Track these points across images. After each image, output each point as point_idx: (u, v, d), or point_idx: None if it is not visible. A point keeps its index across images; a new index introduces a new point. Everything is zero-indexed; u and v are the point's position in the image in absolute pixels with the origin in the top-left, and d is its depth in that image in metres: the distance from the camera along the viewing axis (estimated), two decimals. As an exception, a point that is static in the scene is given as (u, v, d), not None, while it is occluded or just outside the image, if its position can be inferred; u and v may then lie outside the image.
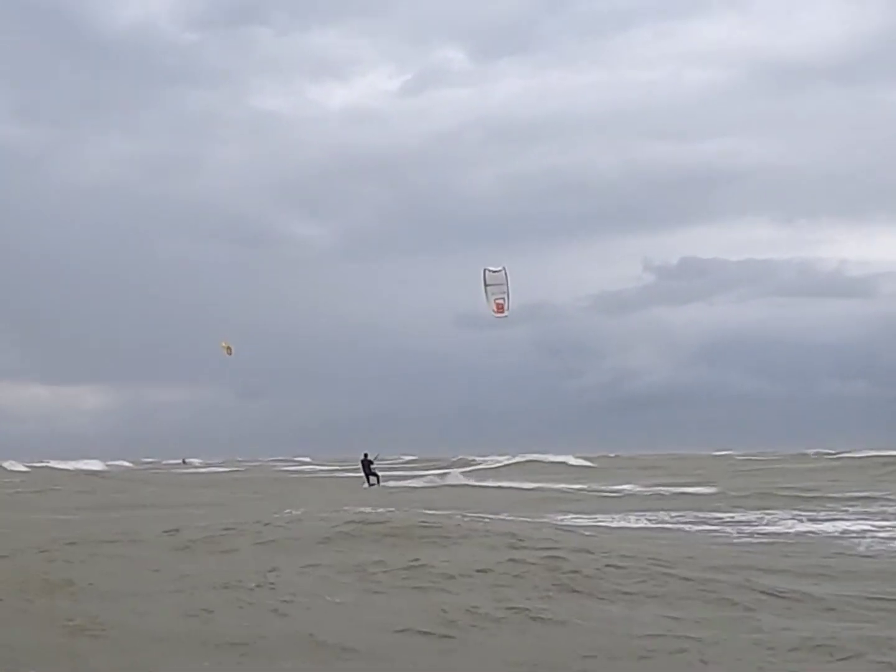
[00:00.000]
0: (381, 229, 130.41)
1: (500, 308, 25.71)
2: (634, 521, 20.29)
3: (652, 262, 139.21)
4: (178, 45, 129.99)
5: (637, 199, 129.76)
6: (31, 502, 28.74)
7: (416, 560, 11.33)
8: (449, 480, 41.48)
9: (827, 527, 18.59)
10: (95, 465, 70.48)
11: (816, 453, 74.78)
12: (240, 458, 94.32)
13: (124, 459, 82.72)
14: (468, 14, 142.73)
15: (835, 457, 66.22)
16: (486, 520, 16.76)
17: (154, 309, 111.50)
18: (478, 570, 10.80)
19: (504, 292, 25.73)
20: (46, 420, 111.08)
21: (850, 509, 22.93)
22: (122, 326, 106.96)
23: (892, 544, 15.43)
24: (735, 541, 16.45)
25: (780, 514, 21.74)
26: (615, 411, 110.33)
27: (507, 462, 62.70)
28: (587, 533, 16.60)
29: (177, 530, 14.09)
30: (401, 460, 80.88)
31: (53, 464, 68.26)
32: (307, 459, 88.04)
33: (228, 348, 37.05)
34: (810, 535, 17.37)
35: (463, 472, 47.67)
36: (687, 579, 10.59)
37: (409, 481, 41.20)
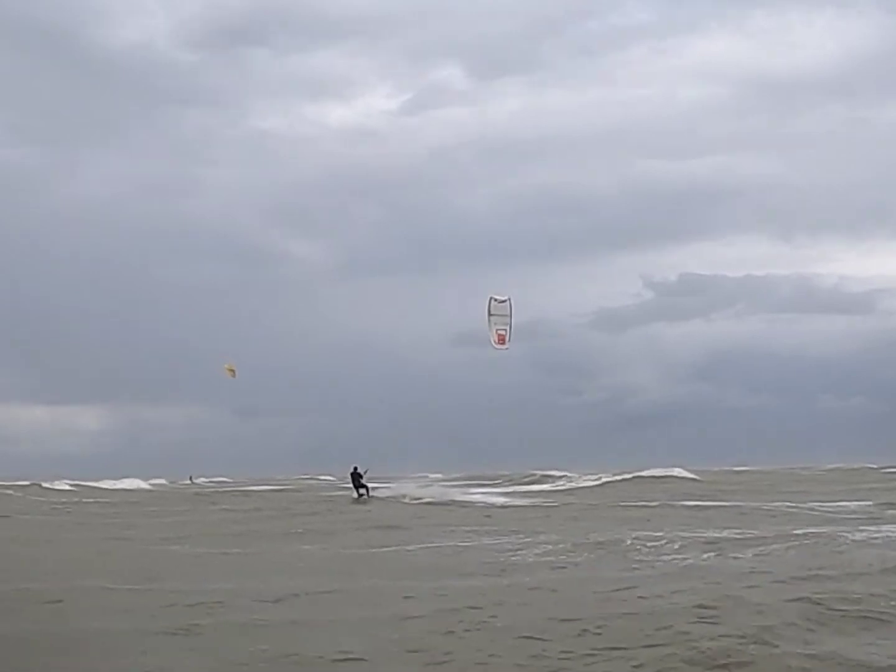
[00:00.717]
0: (378, 248, 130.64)
1: (502, 339, 25.98)
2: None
3: (651, 278, 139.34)
4: (177, 65, 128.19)
5: (635, 216, 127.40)
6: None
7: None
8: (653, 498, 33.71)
9: None
10: (138, 483, 69.33)
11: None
12: (255, 476, 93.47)
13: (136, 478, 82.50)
14: (467, 33, 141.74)
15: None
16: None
17: (151, 328, 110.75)
18: None
19: (507, 324, 26.06)
20: (43, 440, 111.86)
21: None
22: (120, 346, 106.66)
23: None
24: None
25: None
26: (614, 428, 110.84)
27: (618, 477, 54.47)
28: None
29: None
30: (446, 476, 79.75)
31: (94, 483, 65.05)
32: (331, 477, 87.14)
33: (232, 370, 37.97)
34: None
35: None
36: None
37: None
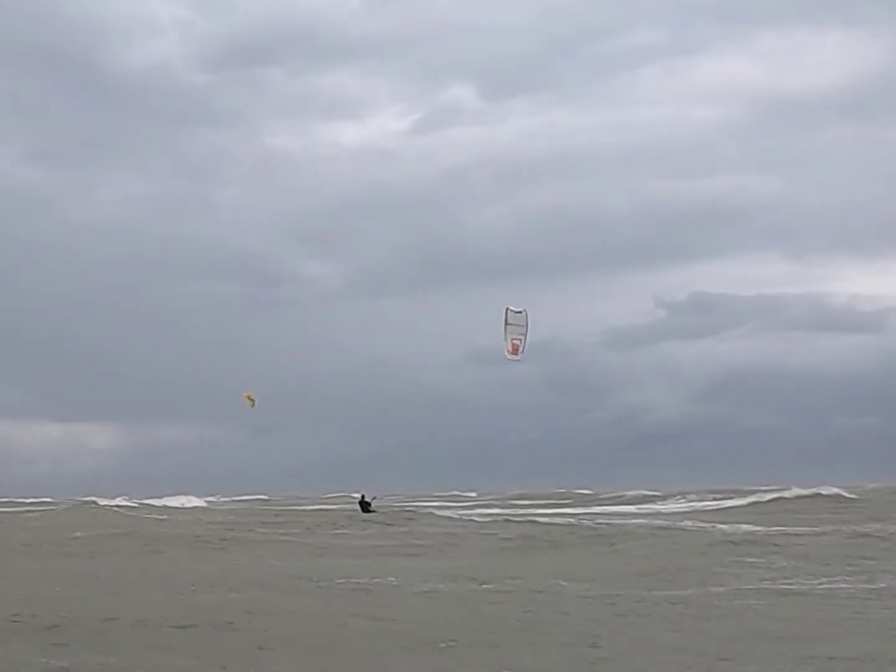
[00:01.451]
0: (391, 267, 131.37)
1: (516, 349, 25.12)
2: None
3: (662, 297, 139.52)
4: (191, 86, 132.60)
5: (647, 236, 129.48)
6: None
7: None
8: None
9: None
10: (195, 500, 67.99)
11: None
12: (267, 495, 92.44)
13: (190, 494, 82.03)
14: (479, 54, 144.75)
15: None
16: None
17: (165, 347, 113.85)
18: None
19: (522, 334, 25.13)
20: (57, 457, 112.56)
21: None
22: (133, 364, 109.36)
23: None
24: None
25: None
26: (626, 446, 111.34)
27: (747, 500, 51.36)
28: None
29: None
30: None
31: (155, 501, 61.77)
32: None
33: (251, 399, 37.92)
34: None
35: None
36: None
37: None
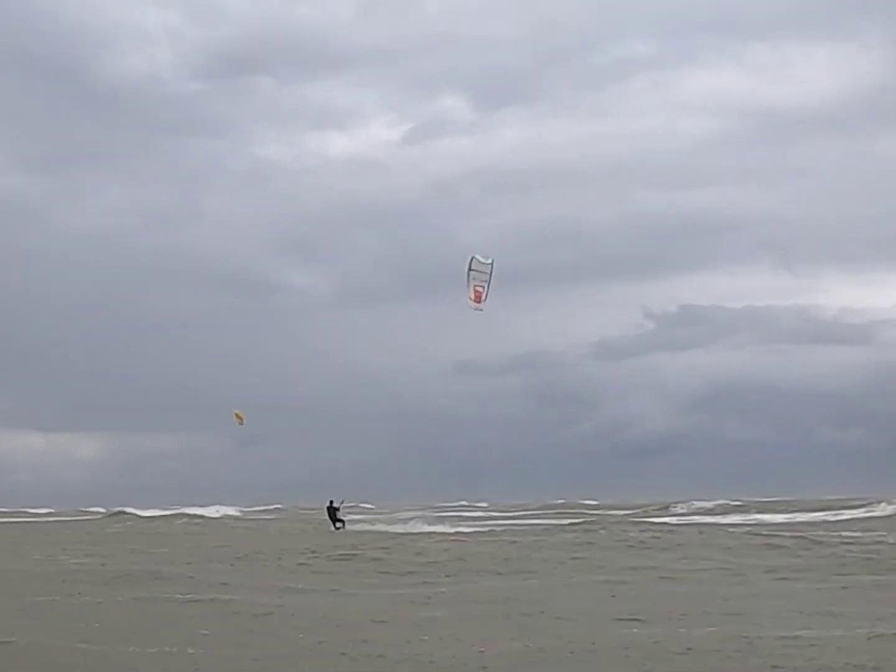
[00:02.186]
0: (378, 278, 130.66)
1: (479, 297, 24.43)
2: None
3: (651, 309, 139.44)
4: (181, 95, 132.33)
5: (635, 248, 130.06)
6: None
7: None
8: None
9: None
10: (228, 510, 67.14)
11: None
12: (280, 506, 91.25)
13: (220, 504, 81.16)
14: (470, 65, 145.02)
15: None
16: None
17: (151, 356, 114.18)
18: None
19: (486, 281, 24.49)
20: (41, 467, 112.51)
21: None
22: (119, 374, 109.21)
23: None
24: None
25: None
26: (614, 458, 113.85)
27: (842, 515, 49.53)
28: None
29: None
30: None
31: (191, 510, 62.12)
32: (370, 506, 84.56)
33: (240, 418, 39.14)
34: None
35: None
36: None
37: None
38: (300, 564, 22.44)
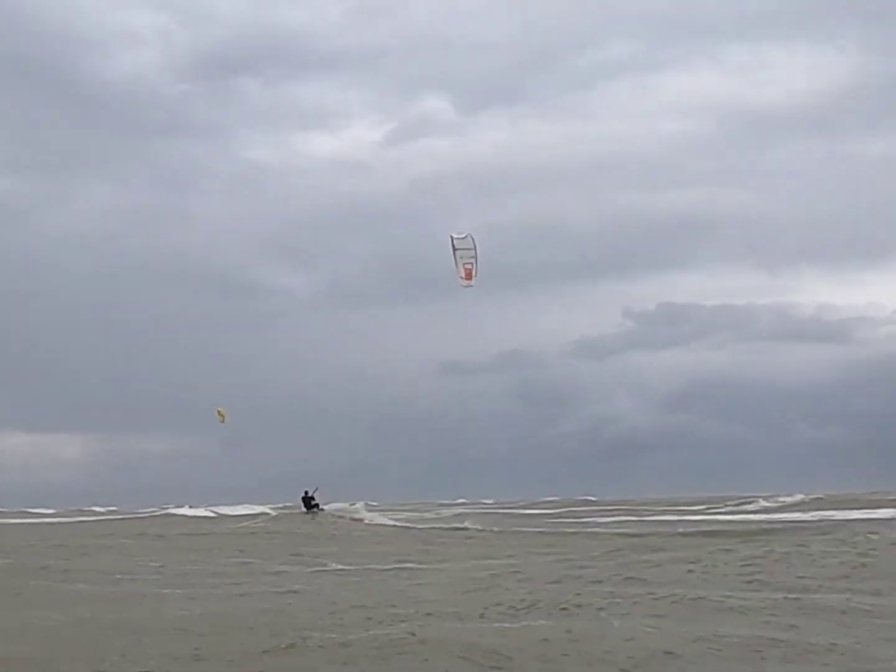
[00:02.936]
0: (363, 279, 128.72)
1: (469, 274, 24.03)
2: None
3: (631, 308, 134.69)
4: (167, 96, 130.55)
5: (616, 247, 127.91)
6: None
7: None
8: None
9: None
10: (258, 508, 65.58)
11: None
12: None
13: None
14: (455, 66, 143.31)
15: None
16: None
17: (138, 357, 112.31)
18: None
19: (473, 257, 24.00)
20: (25, 468, 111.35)
21: None
22: (106, 374, 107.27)
23: None
24: None
25: None
26: (595, 456, 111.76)
27: None
28: None
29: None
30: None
31: (225, 510, 59.63)
32: (375, 503, 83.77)
33: (222, 415, 39.73)
34: None
35: None
36: None
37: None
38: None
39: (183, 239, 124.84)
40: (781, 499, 62.23)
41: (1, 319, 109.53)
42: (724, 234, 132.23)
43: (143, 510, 67.74)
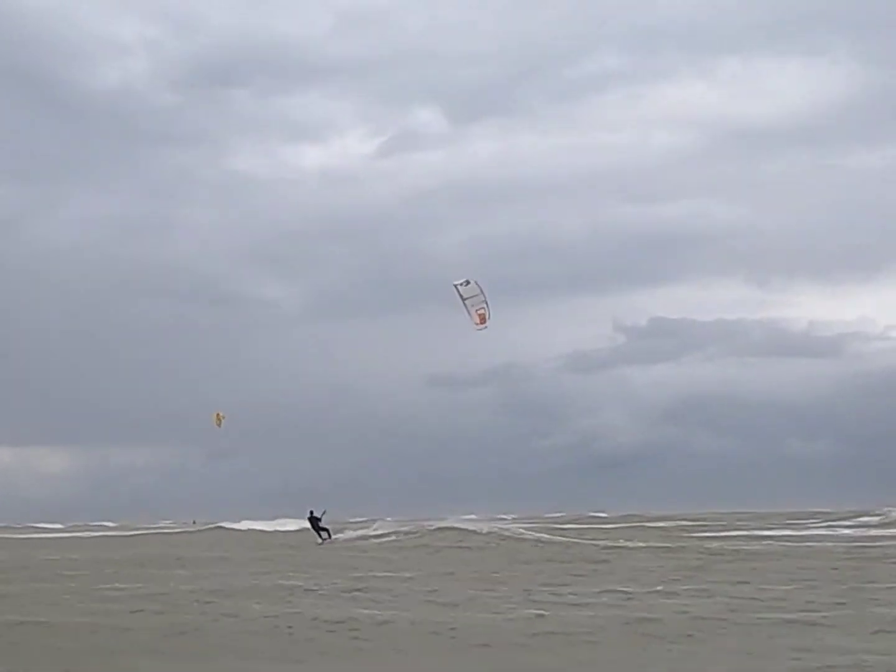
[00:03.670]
0: (351, 291, 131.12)
1: (483, 319, 25.29)
2: None
3: (622, 322, 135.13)
4: (157, 106, 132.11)
5: (607, 260, 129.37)
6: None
7: None
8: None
9: None
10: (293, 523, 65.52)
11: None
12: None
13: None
14: (445, 78, 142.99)
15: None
16: None
17: (123, 369, 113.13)
18: None
19: (483, 301, 25.34)
20: (7, 482, 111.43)
21: None
22: (89, 386, 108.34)
23: None
24: None
25: None
26: (585, 470, 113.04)
27: None
28: None
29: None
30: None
31: (263, 526, 60.02)
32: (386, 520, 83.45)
33: (219, 418, 37.98)
34: None
35: None
36: None
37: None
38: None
39: (170, 249, 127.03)
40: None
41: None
42: (716, 248, 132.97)
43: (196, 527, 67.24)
